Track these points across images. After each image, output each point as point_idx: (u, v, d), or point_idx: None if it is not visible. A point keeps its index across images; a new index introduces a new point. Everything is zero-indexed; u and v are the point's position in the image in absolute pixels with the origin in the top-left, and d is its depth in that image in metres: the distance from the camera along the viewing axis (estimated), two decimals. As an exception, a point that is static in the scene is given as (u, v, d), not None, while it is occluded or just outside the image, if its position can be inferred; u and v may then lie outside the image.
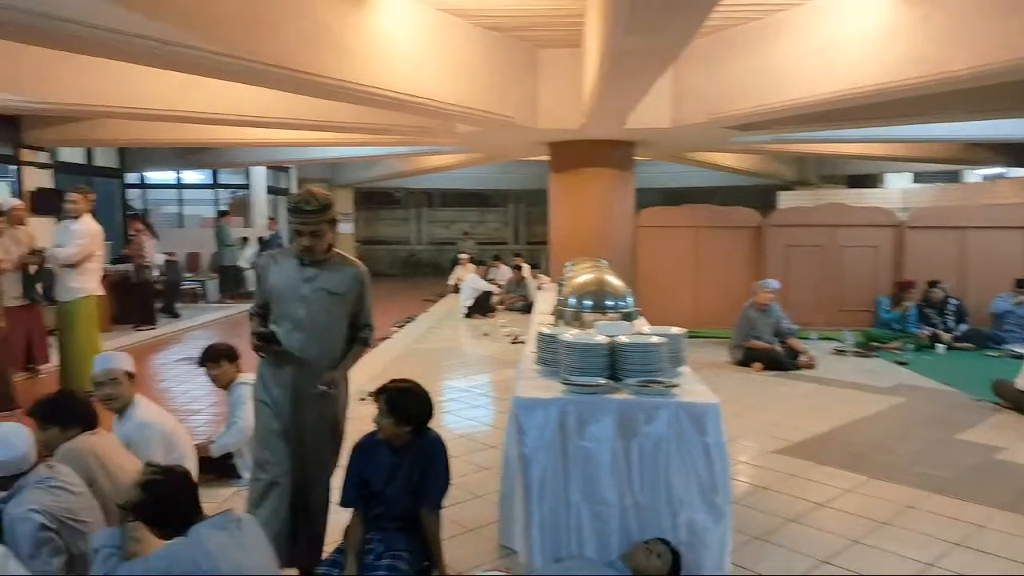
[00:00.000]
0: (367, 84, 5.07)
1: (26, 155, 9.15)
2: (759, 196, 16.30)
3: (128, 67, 5.72)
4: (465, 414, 5.59)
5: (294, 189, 17.13)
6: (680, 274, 9.25)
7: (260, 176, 15.10)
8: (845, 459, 4.52)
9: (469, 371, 7.41)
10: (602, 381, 2.98)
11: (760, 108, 6.02)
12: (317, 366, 2.86)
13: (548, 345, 3.32)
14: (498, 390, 6.44)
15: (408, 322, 10.56)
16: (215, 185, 14.98)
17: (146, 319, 10.02)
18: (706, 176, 16.01)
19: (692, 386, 3.05)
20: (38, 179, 9.35)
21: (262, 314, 2.96)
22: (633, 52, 3.96)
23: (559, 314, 3.88)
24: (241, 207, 15.37)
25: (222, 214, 13.67)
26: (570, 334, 3.28)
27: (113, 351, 3.77)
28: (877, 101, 5.59)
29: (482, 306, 11.29)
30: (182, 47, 3.85)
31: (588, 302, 3.71)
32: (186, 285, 12.52)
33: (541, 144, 8.82)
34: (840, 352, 8.01)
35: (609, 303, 3.69)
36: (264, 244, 14.38)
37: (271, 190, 15.65)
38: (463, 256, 14.83)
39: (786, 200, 13.74)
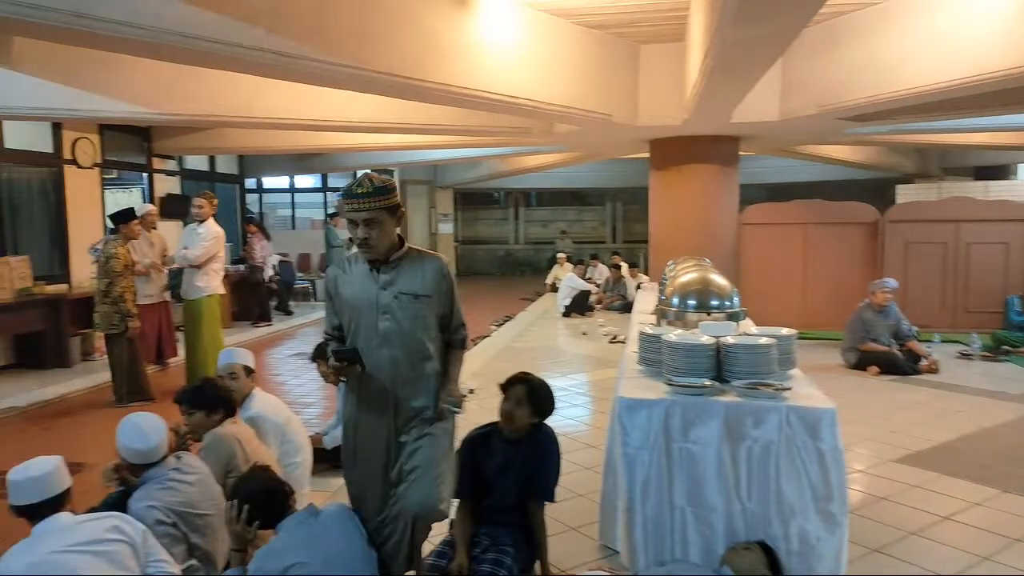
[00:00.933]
0: (470, 88, 5.17)
1: (157, 163, 9.91)
2: (874, 190, 15.39)
3: (247, 80, 6.10)
4: (564, 413, 5.60)
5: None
6: (787, 273, 8.90)
7: (367, 179, 15.64)
8: (973, 470, 4.22)
9: (567, 370, 7.42)
10: (708, 383, 2.91)
11: (876, 98, 5.70)
12: (414, 385, 2.55)
13: (651, 345, 3.28)
14: (597, 389, 6.42)
15: (506, 321, 10.68)
16: (324, 189, 15.65)
17: (263, 316, 10.63)
18: (814, 170, 15.29)
19: (805, 389, 2.93)
20: (167, 185, 10.10)
21: (337, 337, 2.64)
22: (741, 44, 3.85)
23: (661, 314, 3.82)
24: (348, 209, 16.00)
25: (330, 216, 14.28)
26: (674, 334, 3.22)
27: (234, 348, 4.03)
28: (1009, 87, 5.18)
29: (580, 305, 11.27)
30: (300, 59, 4.07)
31: (692, 302, 3.63)
32: (298, 284, 13.17)
33: (641, 141, 8.70)
34: (966, 356, 7.46)
35: (714, 303, 3.60)
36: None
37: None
38: (560, 255, 14.84)
39: (905, 194, 12.93)
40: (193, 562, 2.67)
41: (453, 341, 2.68)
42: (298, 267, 14.07)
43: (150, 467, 2.79)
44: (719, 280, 3.77)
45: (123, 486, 2.92)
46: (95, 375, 7.15)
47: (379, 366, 2.50)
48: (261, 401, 3.73)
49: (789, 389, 2.84)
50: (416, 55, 4.76)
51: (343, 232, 14.82)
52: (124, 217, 6.13)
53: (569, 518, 3.56)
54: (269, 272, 11.15)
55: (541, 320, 11.09)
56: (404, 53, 4.67)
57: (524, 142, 9.61)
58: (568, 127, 7.53)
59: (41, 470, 2.30)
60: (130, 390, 6.12)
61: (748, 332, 3.34)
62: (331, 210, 15.28)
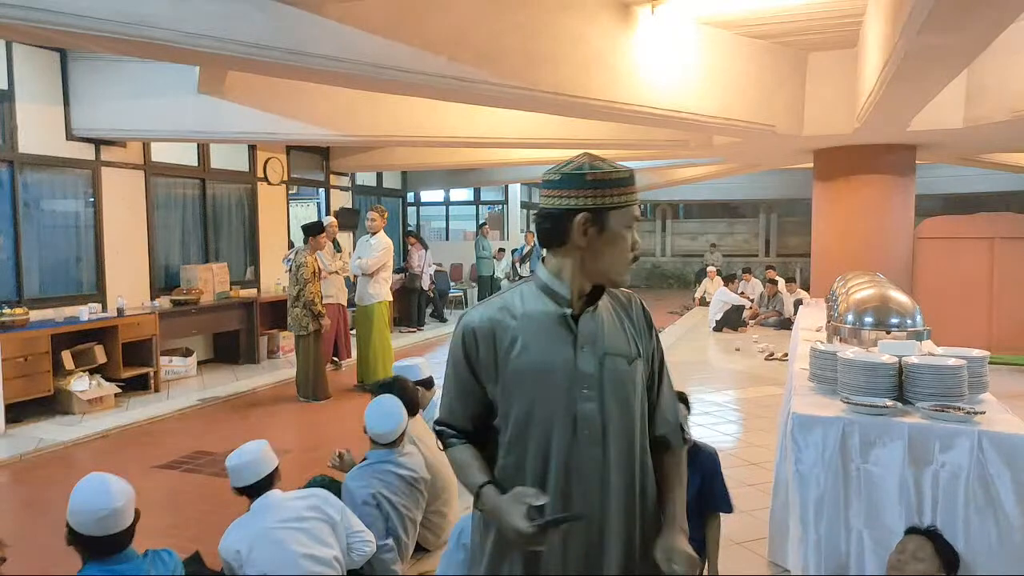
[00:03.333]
0: (634, 104, 5.27)
1: (333, 180, 10.81)
2: (1074, 201, 13.78)
3: (418, 102, 6.58)
4: (721, 429, 5.53)
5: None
6: (971, 292, 8.19)
7: (516, 192, 16.15)
8: None
9: (720, 386, 7.27)
10: (889, 403, 2.82)
11: (1083, 101, 5.19)
12: (630, 514, 1.56)
13: (824, 362, 3.21)
14: (754, 407, 6.26)
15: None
16: (477, 202, 16.31)
17: (418, 322, 11.27)
18: (1000, 179, 13.93)
19: (1000, 415, 2.77)
20: (341, 200, 10.98)
21: (465, 434, 1.59)
22: (927, 52, 3.68)
23: (834, 330, 3.72)
24: (498, 221, 16.56)
25: (481, 227, 14.88)
26: (850, 352, 3.14)
27: (412, 359, 4.27)
28: None
29: (732, 320, 10.96)
30: (477, 83, 4.36)
31: (869, 319, 3.51)
32: (452, 293, 13.81)
33: (804, 151, 8.38)
34: None
35: (894, 320, 3.46)
36: (521, 256, 15.36)
37: (524, 205, 16.65)
38: (710, 268, 14.50)
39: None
40: (388, 541, 2.95)
41: (666, 437, 1.65)
42: (451, 276, 14.74)
43: (391, 446, 3.12)
44: (899, 297, 3.62)
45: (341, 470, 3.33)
46: (279, 372, 7.91)
47: (580, 485, 1.50)
48: (437, 404, 4.00)
49: (982, 413, 2.69)
50: (582, 74, 4.94)
51: (493, 243, 15.45)
52: (314, 229, 6.76)
53: (735, 534, 3.55)
54: (427, 281, 11.78)
55: (690, 334, 10.91)
56: (570, 73, 4.86)
57: (679, 155, 9.54)
58: (727, 139, 7.42)
59: (252, 454, 2.68)
60: (312, 387, 6.72)
61: (932, 352, 3.18)
62: (481, 222, 15.96)
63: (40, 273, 6.65)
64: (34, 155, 6.46)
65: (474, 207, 16.45)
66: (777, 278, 12.31)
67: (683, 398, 2.58)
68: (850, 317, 3.60)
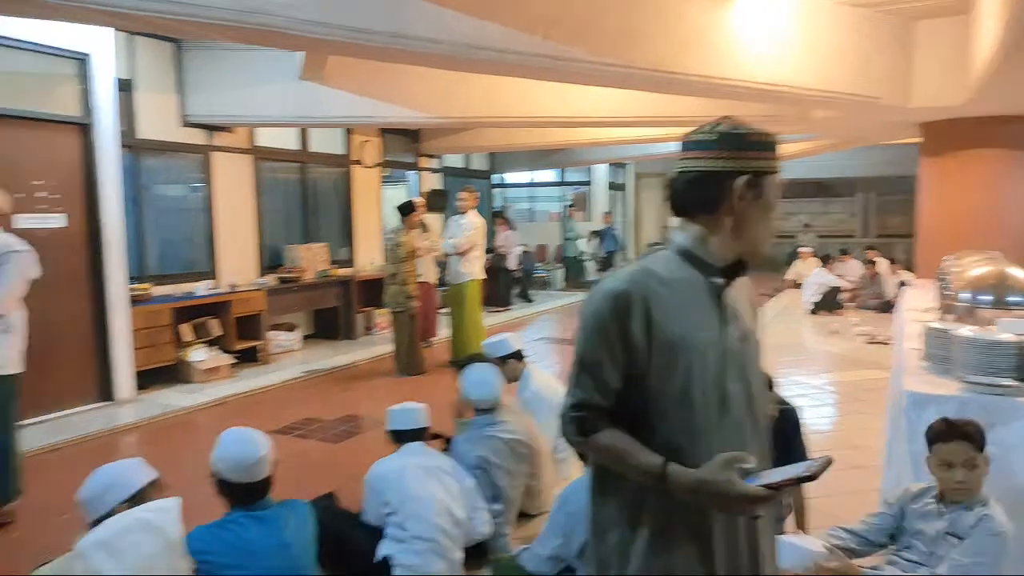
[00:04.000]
0: (731, 78, 5.17)
1: (423, 162, 11.06)
2: None
3: (509, 82, 6.65)
4: (822, 412, 5.41)
5: (631, 185, 17.85)
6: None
7: (601, 173, 16.04)
8: None
9: (817, 368, 7.09)
10: (1011, 382, 2.71)
11: None
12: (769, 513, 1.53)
13: (939, 341, 3.10)
14: (855, 389, 6.07)
15: (746, 316, 10.39)
16: (562, 183, 16.30)
17: (504, 302, 11.44)
18: None
19: None
20: (430, 181, 11.22)
21: (601, 411, 1.43)
22: (1056, 14, 3.45)
23: (947, 309, 3.59)
24: (583, 202, 16.51)
25: (569, 207, 14.89)
26: (967, 330, 3.03)
27: (500, 335, 4.37)
28: None
29: (829, 302, 10.59)
30: (572, 61, 4.38)
31: (986, 297, 3.37)
32: (537, 273, 13.91)
33: (909, 125, 7.97)
34: None
35: (1013, 298, 3.31)
36: (599, 236, 15.30)
37: (611, 186, 16.52)
38: (803, 250, 14.01)
39: None
40: (498, 506, 3.08)
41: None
42: (536, 257, 14.85)
43: (482, 413, 3.27)
44: (1019, 274, 3.45)
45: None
46: (375, 347, 8.22)
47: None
48: (538, 379, 4.06)
49: (1117, 394, 2.56)
50: (680, 50, 4.87)
51: (579, 224, 15.43)
52: (407, 209, 6.98)
53: (842, 516, 3.48)
54: (514, 261, 11.92)
55: (783, 316, 10.61)
56: (668, 49, 4.81)
57: (774, 131, 9.24)
58: (826, 113, 7.15)
59: (414, 408, 2.93)
60: (409, 363, 6.96)
61: (1059, 332, 3.03)
62: (568, 202, 15.96)
63: (159, 251, 7.14)
64: (152, 140, 6.92)
65: (559, 188, 16.45)
66: (878, 259, 11.79)
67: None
68: (966, 295, 3.46)
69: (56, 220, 5.51)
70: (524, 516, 3.49)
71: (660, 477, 1.35)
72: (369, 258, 9.66)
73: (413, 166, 10.95)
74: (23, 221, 5.26)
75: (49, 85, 5.62)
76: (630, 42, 4.59)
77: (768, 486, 1.30)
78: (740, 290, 1.51)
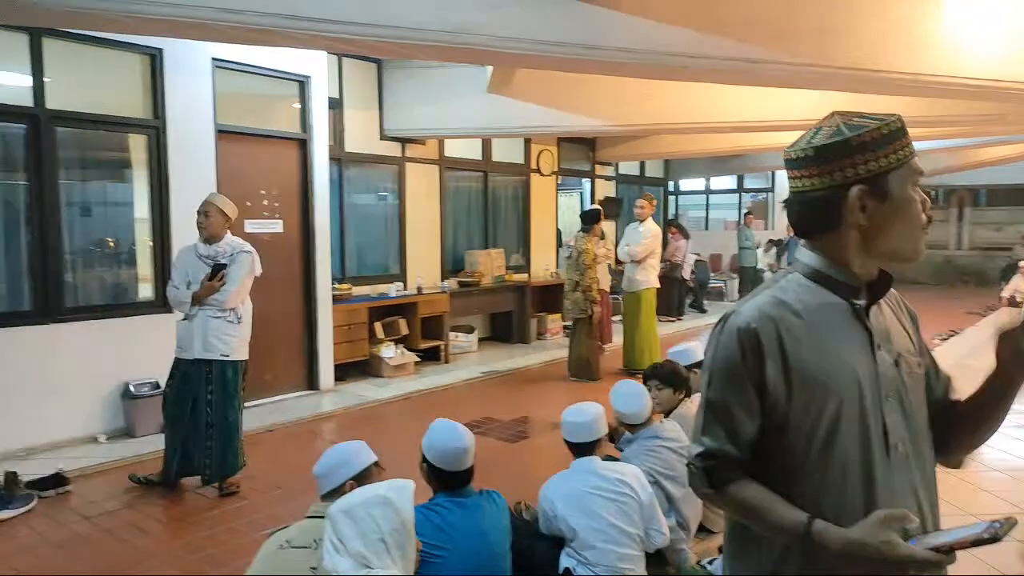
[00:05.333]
0: (943, 75, 4.73)
1: (598, 170, 11.15)
2: None
3: (685, 89, 6.54)
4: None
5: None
6: None
7: (783, 179, 15.23)
8: None
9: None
10: None
11: None
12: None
13: None
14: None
15: (951, 336, 9.41)
16: (740, 190, 15.70)
17: (678, 312, 11.21)
18: None
19: None
20: (605, 189, 11.28)
21: (732, 461, 1.29)
22: None
23: None
24: (762, 210, 15.78)
25: (746, 216, 14.30)
26: None
27: (685, 343, 4.31)
28: None
29: (1054, 324, 9.30)
30: (766, 63, 4.24)
31: None
32: (712, 284, 13.50)
33: None
34: None
35: None
36: (778, 247, 14.51)
37: (793, 193, 15.65)
38: (1023, 263, 12.42)
39: None
40: (673, 519, 3.04)
41: (947, 396, 1.42)
42: (710, 267, 14.40)
43: (638, 427, 3.27)
44: None
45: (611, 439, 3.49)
46: (548, 352, 8.40)
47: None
48: None
49: None
50: (881, 46, 4.55)
51: (756, 232, 14.75)
52: (592, 217, 7.08)
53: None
54: (687, 271, 11.65)
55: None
56: (868, 45, 4.51)
57: (989, 132, 8.33)
58: (1061, 109, 6.32)
59: (591, 415, 2.87)
60: (585, 368, 7.04)
61: None
62: (745, 210, 15.33)
63: (357, 254, 7.79)
64: (355, 153, 7.57)
65: (736, 195, 15.85)
66: (1120, 276, 10.19)
67: None
68: None
69: (276, 226, 6.20)
70: (704, 531, 3.43)
71: (804, 536, 1.18)
72: (544, 264, 9.89)
73: (588, 174, 11.07)
74: (250, 226, 5.98)
75: (274, 105, 6.35)
76: (826, 41, 4.36)
77: (938, 549, 1.09)
78: (889, 307, 1.35)
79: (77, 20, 4.00)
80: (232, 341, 4.13)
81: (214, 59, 5.61)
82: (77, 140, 5.16)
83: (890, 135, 1.22)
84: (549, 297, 9.40)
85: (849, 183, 1.23)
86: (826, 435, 1.23)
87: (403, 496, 1.67)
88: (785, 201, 1.35)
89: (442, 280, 8.43)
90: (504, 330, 9.17)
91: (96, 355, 5.00)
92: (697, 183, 16.12)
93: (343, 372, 6.82)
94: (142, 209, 5.51)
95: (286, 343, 6.29)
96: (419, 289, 7.75)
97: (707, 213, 16.32)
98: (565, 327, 9.17)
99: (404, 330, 7.39)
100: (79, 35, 4.88)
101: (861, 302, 1.28)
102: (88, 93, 5.16)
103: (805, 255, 1.32)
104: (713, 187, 16.19)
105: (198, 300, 4.09)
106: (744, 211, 15.30)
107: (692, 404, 3.62)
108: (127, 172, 5.58)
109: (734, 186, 15.85)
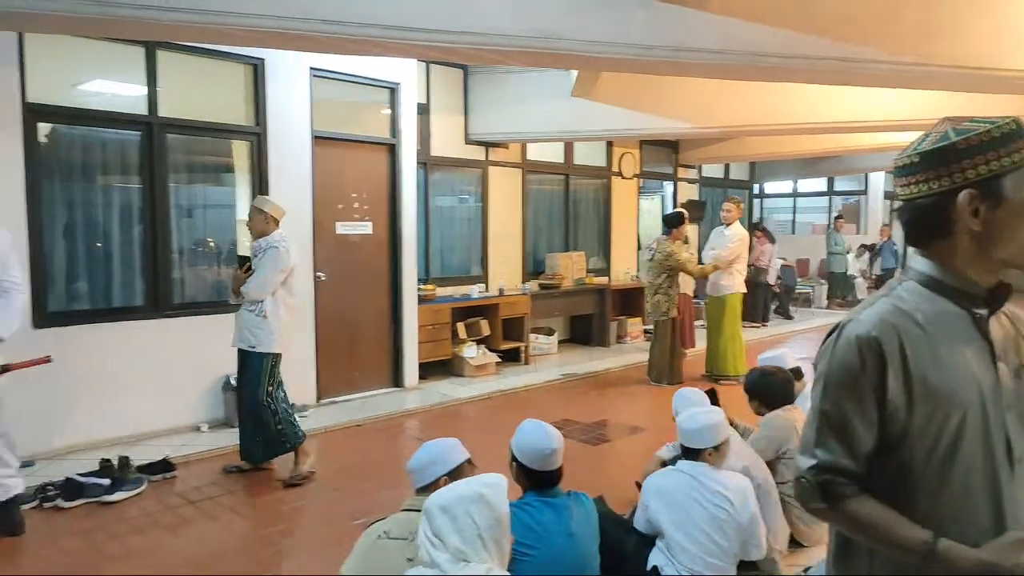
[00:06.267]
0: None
1: (681, 172, 10.99)
2: None
3: (772, 89, 6.38)
4: None
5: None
6: None
7: (878, 181, 14.62)
8: None
9: None
10: None
11: None
12: None
13: None
14: None
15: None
16: (830, 192, 15.14)
17: (763, 318, 10.91)
18: None
19: None
20: (687, 192, 11.10)
21: (847, 476, 1.25)
22: None
23: None
24: (854, 213, 15.18)
25: (836, 220, 13.78)
26: None
27: (776, 350, 4.23)
28: None
29: None
30: (865, 63, 4.10)
31: None
32: (799, 289, 13.07)
33: None
34: None
35: None
36: (871, 252, 13.90)
37: (888, 195, 14.98)
38: None
39: None
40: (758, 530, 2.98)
41: None
42: (797, 272, 13.94)
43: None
44: None
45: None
46: (628, 355, 8.34)
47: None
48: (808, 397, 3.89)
49: None
50: (991, 43, 4.31)
51: (846, 237, 14.18)
52: (675, 220, 7.00)
53: None
54: (773, 276, 11.33)
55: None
56: (975, 43, 4.29)
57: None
58: None
59: (711, 419, 2.79)
60: (666, 372, 6.96)
61: None
62: (836, 213, 14.77)
63: (441, 256, 7.95)
64: (440, 157, 7.72)
65: (826, 198, 15.29)
66: None
67: None
68: None
69: (366, 227, 6.41)
70: (797, 544, 3.35)
71: (928, 556, 1.14)
72: (624, 267, 9.82)
73: (671, 177, 10.93)
74: (340, 228, 6.21)
75: (365, 111, 6.57)
76: (931, 37, 4.17)
77: None
78: (1006, 316, 1.30)
79: (193, 34, 4.26)
80: (259, 334, 4.40)
81: (312, 68, 5.86)
82: (185, 146, 5.48)
83: (1003, 138, 1.19)
84: (629, 300, 9.34)
85: (957, 188, 1.20)
86: (948, 449, 1.20)
87: (498, 492, 1.71)
88: (896, 209, 1.34)
89: (523, 282, 8.50)
90: (584, 333, 9.16)
91: (200, 349, 5.30)
92: (784, 185, 15.66)
93: (426, 371, 6.97)
94: (242, 211, 5.81)
95: (373, 341, 6.49)
96: (501, 291, 7.84)
97: (794, 216, 15.82)
98: (646, 331, 9.08)
99: (486, 331, 7.49)
100: (189, 47, 5.19)
101: (982, 311, 1.25)
102: (196, 101, 5.48)
103: (920, 263, 1.29)
104: (801, 189, 15.68)
105: (233, 291, 4.48)
106: (834, 214, 14.76)
107: (785, 413, 3.53)
108: (229, 176, 5.90)
109: (824, 188, 15.30)
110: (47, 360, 3.81)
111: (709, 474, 2.71)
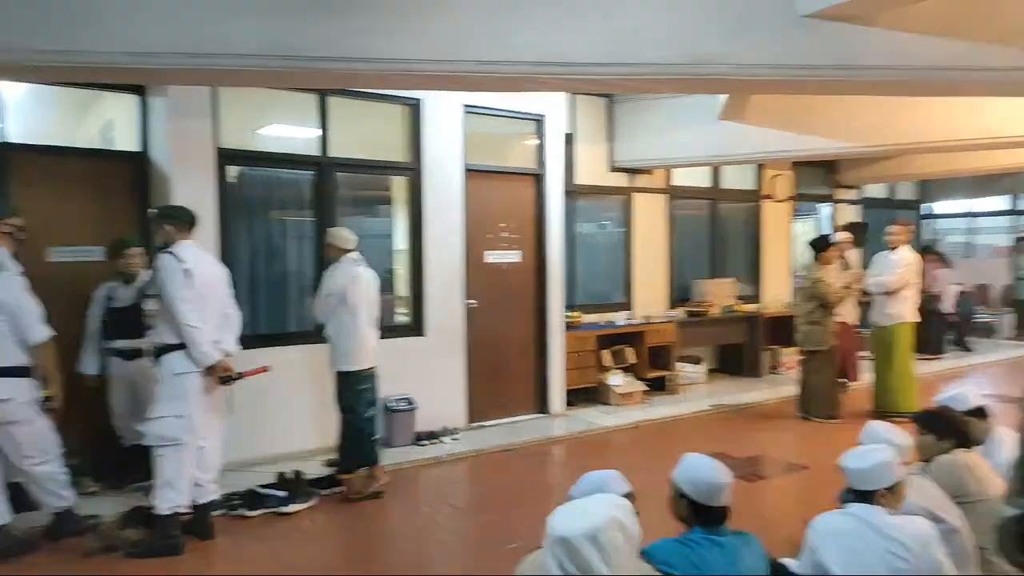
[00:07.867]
0: None
1: (839, 193, 10.38)
2: None
3: (941, 104, 5.90)
4: None
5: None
6: None
7: (1071, 198, 13.02)
8: None
9: None
10: None
11: None
12: None
13: None
14: None
15: None
16: (1013, 211, 13.67)
17: (936, 349, 9.98)
18: None
19: None
20: (847, 214, 10.44)
21: None
22: None
23: None
24: (1044, 234, 13.59)
25: (1019, 240, 12.44)
26: None
27: (958, 387, 3.85)
28: None
29: None
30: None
31: None
32: (978, 319, 11.87)
33: None
34: None
35: None
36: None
37: (1086, 213, 13.30)
38: None
39: None
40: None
41: None
42: (976, 299, 12.67)
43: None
44: None
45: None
46: (780, 387, 7.91)
47: None
48: (1001, 444, 3.52)
49: None
50: None
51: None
52: (821, 245, 6.63)
53: None
54: (949, 303, 10.39)
55: None
56: None
57: None
58: None
59: (868, 462, 2.56)
60: (820, 407, 6.54)
61: None
62: (1019, 235, 13.33)
63: (586, 283, 7.97)
64: (585, 185, 7.78)
65: (1009, 218, 13.81)
66: None
67: None
68: None
69: (514, 256, 6.58)
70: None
71: None
72: (777, 294, 9.37)
73: (827, 198, 10.34)
74: (489, 257, 6.41)
75: (513, 143, 6.78)
76: None
77: None
78: None
79: (364, 81, 4.61)
80: (335, 355, 4.77)
81: (464, 105, 6.14)
82: (351, 182, 5.92)
83: None
84: (783, 329, 8.85)
85: None
86: None
87: (626, 514, 1.74)
88: None
89: (669, 309, 8.33)
90: (734, 362, 8.80)
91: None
92: (955, 205, 14.33)
93: (571, 398, 6.98)
94: (400, 241, 6.16)
95: (521, 367, 6.61)
96: (646, 318, 7.73)
97: (970, 238, 14.41)
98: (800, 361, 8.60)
99: (631, 359, 7.40)
100: (356, 92, 5.61)
101: None
102: (361, 141, 5.91)
103: None
104: (978, 208, 14.27)
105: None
106: (1018, 236, 13.31)
107: (970, 455, 3.21)
108: (388, 208, 6.29)
109: (1006, 207, 13.83)
110: (266, 369, 4.37)
111: (885, 520, 2.49)
